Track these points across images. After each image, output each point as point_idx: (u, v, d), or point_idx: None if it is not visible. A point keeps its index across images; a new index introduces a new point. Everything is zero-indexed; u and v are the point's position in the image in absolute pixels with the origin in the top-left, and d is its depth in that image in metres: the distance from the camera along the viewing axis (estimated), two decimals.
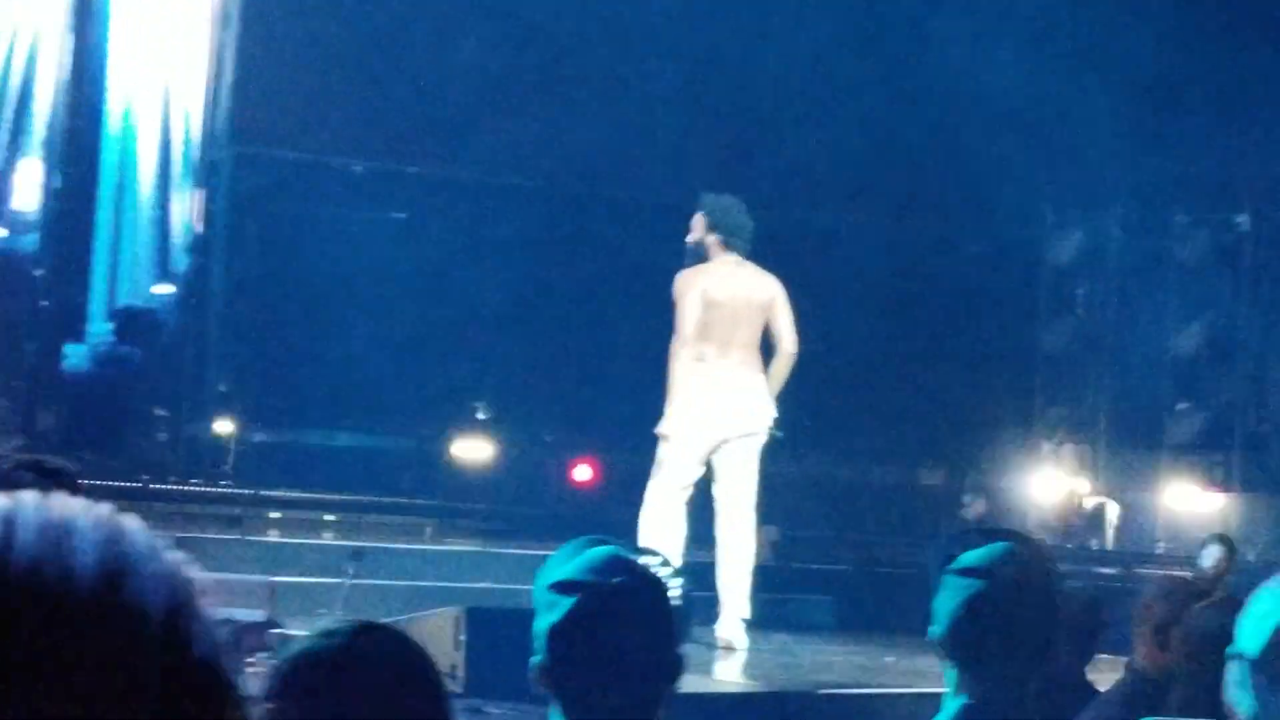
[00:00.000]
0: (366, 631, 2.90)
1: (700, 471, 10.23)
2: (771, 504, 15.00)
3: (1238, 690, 3.31)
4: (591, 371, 15.42)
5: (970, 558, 3.96)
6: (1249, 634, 3.29)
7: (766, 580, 12.10)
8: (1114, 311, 16.02)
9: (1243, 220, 15.49)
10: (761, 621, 11.12)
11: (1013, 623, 3.90)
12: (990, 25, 15.24)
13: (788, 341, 10.24)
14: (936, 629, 3.96)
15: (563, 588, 3.34)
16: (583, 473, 15.46)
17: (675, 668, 3.40)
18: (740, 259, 10.12)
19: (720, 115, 15.78)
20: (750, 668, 9.79)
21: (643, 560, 7.42)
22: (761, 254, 15.49)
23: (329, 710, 2.86)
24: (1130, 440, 16.15)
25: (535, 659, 3.29)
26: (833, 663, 10.47)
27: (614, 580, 3.33)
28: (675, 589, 7.41)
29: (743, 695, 8.90)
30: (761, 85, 15.97)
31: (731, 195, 10.36)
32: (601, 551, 3.45)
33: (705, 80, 15.88)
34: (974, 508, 15.19)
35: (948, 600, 3.95)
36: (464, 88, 15.06)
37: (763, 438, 10.17)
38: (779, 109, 15.96)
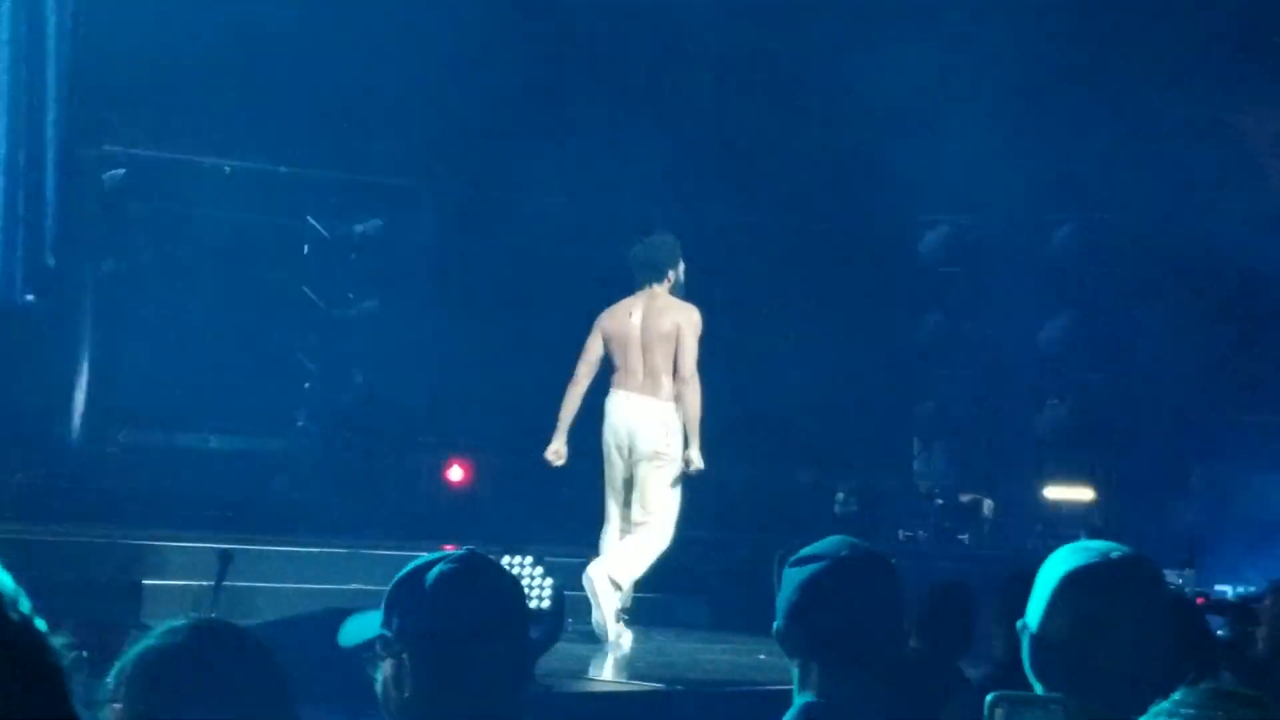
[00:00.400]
0: (206, 629, 2.88)
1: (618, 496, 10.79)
2: None
3: (1028, 664, 3.40)
4: (466, 372, 15.35)
5: (807, 549, 3.97)
6: (1033, 608, 3.39)
7: (643, 580, 12.12)
8: (984, 307, 16.15)
9: (1107, 217, 15.69)
10: (639, 620, 11.13)
11: (850, 613, 3.88)
12: (865, 25, 15.34)
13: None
14: (776, 623, 3.96)
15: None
16: (456, 473, 15.40)
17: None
18: (651, 291, 10.71)
19: (597, 111, 15.75)
20: (626, 666, 9.79)
21: (518, 559, 7.43)
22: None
23: (171, 707, 2.84)
24: (1002, 435, 16.29)
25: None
26: (706, 660, 10.49)
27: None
28: (547, 589, 7.43)
29: (617, 693, 8.88)
30: (640, 84, 15.97)
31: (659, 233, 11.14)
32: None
33: (581, 78, 15.86)
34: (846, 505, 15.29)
35: (785, 592, 3.95)
36: (336, 87, 14.95)
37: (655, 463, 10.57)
38: (662, 107, 15.94)
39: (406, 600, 3.37)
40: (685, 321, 10.54)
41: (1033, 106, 15.91)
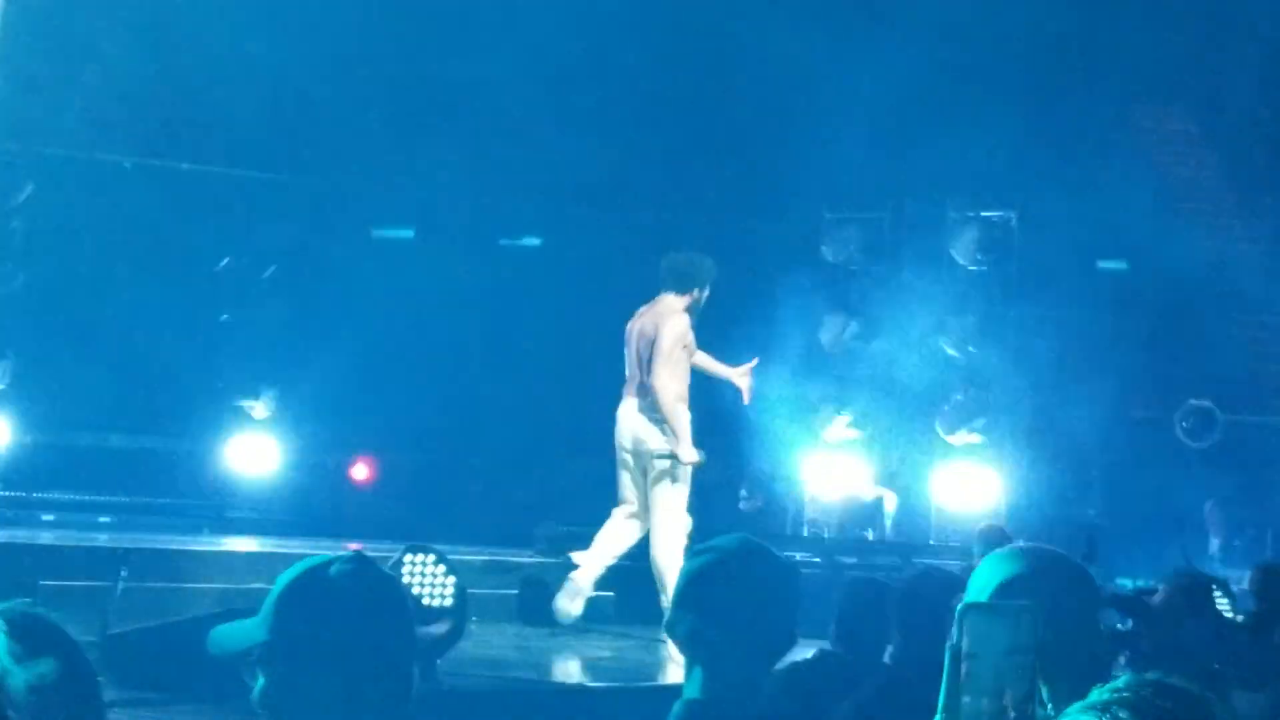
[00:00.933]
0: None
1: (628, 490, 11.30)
2: (551, 499, 15.07)
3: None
4: (370, 370, 15.30)
5: (704, 544, 3.97)
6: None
7: (548, 575, 12.13)
8: (889, 305, 16.21)
9: (1011, 215, 15.79)
10: (542, 617, 11.16)
11: (734, 609, 3.87)
12: (768, 25, 15.38)
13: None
14: (667, 615, 3.96)
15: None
16: (360, 472, 15.35)
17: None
18: (659, 299, 11.14)
19: (484, 113, 15.71)
20: (530, 662, 9.80)
21: (420, 557, 7.39)
22: (538, 253, 15.56)
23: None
24: (907, 432, 16.37)
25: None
26: (611, 656, 10.50)
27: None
28: (449, 588, 7.41)
29: (519, 690, 8.87)
30: (532, 87, 15.94)
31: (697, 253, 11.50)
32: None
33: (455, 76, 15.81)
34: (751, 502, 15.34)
35: (676, 585, 3.95)
36: (236, 85, 14.84)
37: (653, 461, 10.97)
38: (560, 111, 15.93)
39: (288, 606, 3.32)
40: (665, 324, 10.81)
41: (943, 104, 16.01)
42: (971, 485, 15.70)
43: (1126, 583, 12.63)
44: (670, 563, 10.47)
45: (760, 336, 15.98)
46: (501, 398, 15.48)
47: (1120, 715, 1.96)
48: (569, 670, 9.83)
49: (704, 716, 3.83)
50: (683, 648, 3.90)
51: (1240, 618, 11.21)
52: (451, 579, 7.36)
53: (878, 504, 15.93)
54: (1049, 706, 2.40)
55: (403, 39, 15.28)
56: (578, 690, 8.98)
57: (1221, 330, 19.78)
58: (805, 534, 15.49)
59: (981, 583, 3.41)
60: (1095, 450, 16.43)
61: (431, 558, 7.39)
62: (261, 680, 3.24)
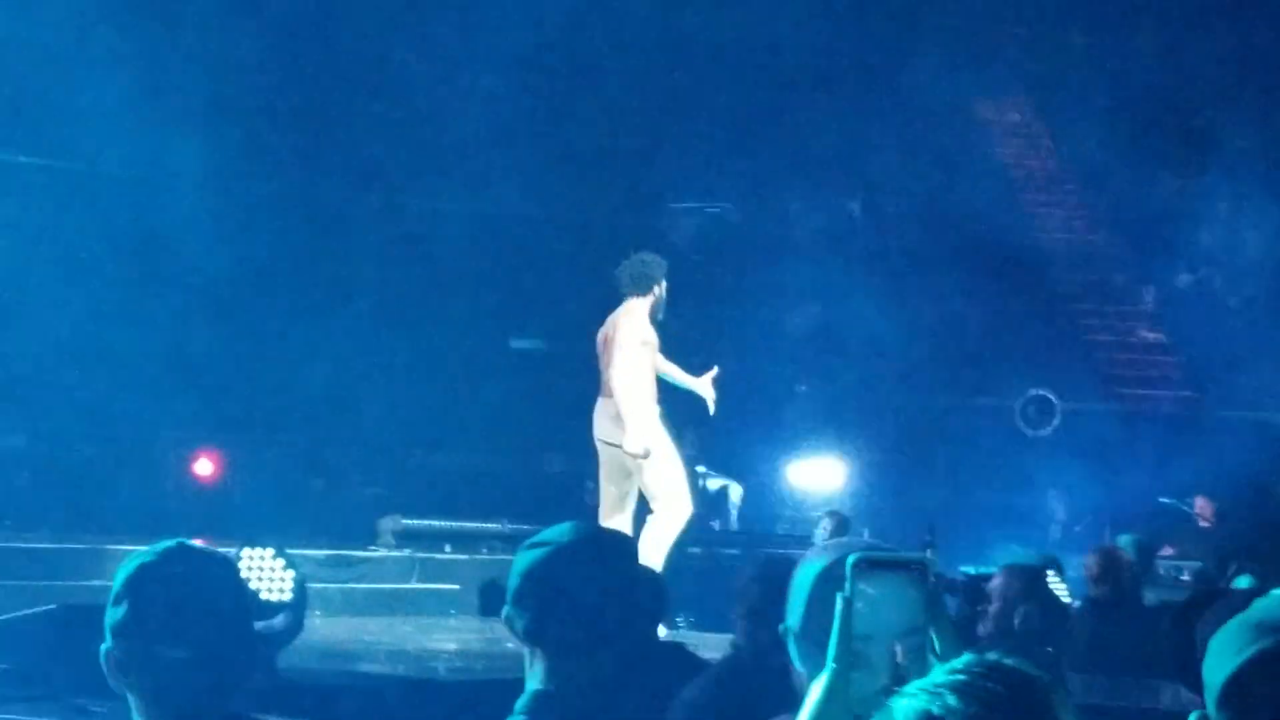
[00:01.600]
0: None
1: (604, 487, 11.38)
2: (397, 493, 15.03)
3: (797, 662, 3.40)
4: (214, 364, 15.15)
5: (538, 535, 3.97)
6: (791, 609, 3.39)
7: (396, 569, 12.11)
8: (733, 295, 16.31)
9: (854, 205, 15.94)
10: (392, 608, 11.15)
11: (574, 598, 3.88)
12: (610, 15, 15.41)
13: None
14: (505, 609, 3.95)
15: None
16: (204, 466, 15.19)
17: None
18: (627, 305, 11.19)
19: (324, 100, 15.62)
20: (374, 655, 9.75)
21: (258, 551, 7.35)
22: (377, 241, 15.45)
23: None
24: (752, 421, 16.48)
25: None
26: (457, 649, 10.49)
27: None
28: (288, 581, 7.35)
29: (362, 685, 8.83)
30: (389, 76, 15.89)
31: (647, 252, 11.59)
32: None
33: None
34: None
35: (511, 577, 3.95)
36: (76, 75, 14.63)
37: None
38: (412, 97, 15.87)
39: (120, 594, 3.39)
40: (623, 322, 11.00)
41: (783, 95, 16.14)
42: (815, 473, 15.84)
43: (968, 569, 12.81)
44: (654, 550, 10.63)
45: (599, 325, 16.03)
46: (346, 391, 15.40)
47: (949, 700, 1.96)
48: (413, 663, 9.80)
49: (550, 707, 3.83)
50: (524, 641, 3.91)
51: (1076, 602, 11.43)
52: (290, 573, 7.30)
53: (723, 493, 16.03)
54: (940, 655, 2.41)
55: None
56: (421, 683, 8.94)
57: (1061, 318, 20.14)
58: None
59: (795, 594, 3.42)
60: (937, 438, 16.63)
61: (270, 552, 7.31)
62: (115, 657, 3.31)
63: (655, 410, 11.13)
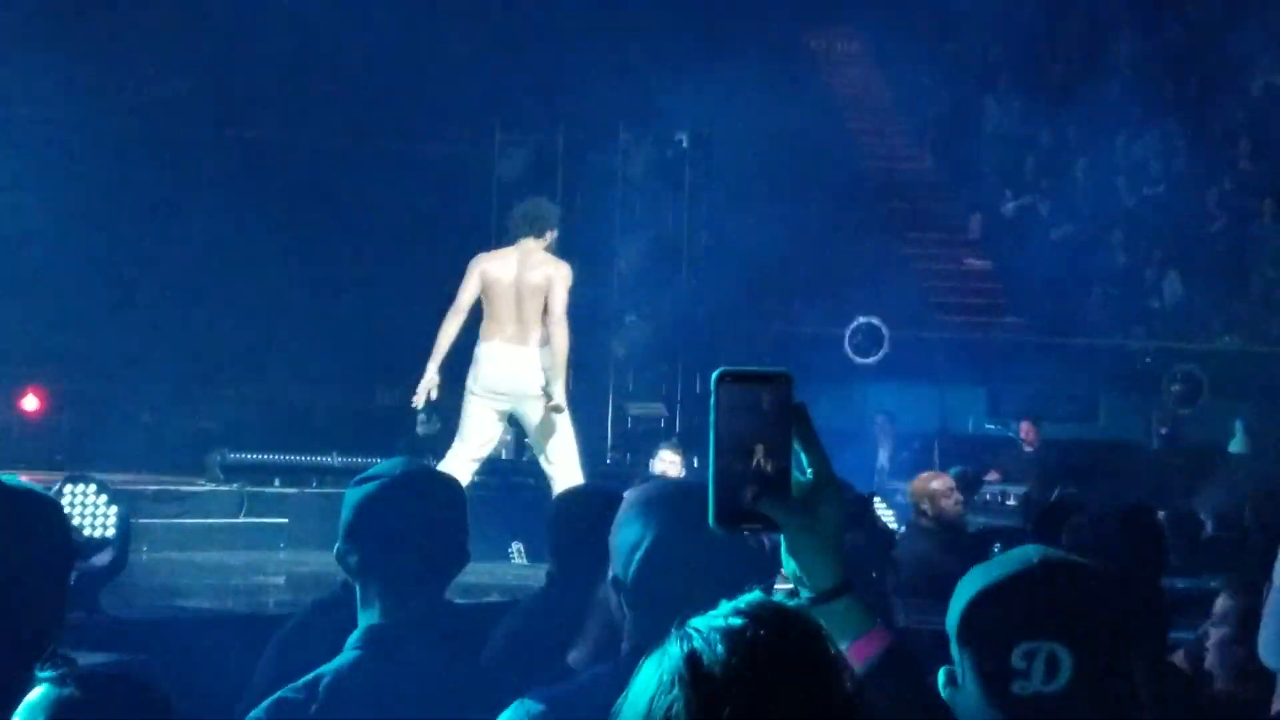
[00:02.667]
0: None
1: (490, 434, 11.37)
2: (224, 427, 14.93)
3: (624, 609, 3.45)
4: (47, 298, 14.95)
5: (369, 470, 4.00)
6: (617, 558, 3.42)
7: (224, 503, 12.03)
8: (562, 226, 16.27)
9: (682, 137, 15.95)
10: (221, 543, 11.11)
11: (403, 532, 3.91)
12: None
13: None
14: (337, 544, 3.97)
15: None
16: (30, 403, 15.01)
17: None
18: (525, 246, 11.16)
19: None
20: (198, 590, 9.68)
21: (80, 486, 7.27)
22: (209, 168, 15.25)
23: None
24: (578, 354, 16.50)
25: None
26: (285, 583, 10.45)
27: None
28: (110, 517, 7.32)
29: (187, 617, 8.77)
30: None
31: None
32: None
33: None
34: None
35: (343, 513, 3.97)
36: None
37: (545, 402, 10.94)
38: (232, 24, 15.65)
39: None
40: (556, 274, 11.00)
41: (613, 29, 16.13)
42: (647, 406, 15.88)
43: None
44: None
45: (435, 258, 15.98)
46: (170, 322, 15.27)
47: (718, 650, 1.98)
48: (242, 597, 9.75)
49: (383, 640, 3.86)
50: (356, 577, 3.93)
51: (903, 528, 11.63)
52: (114, 508, 7.27)
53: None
54: (807, 472, 2.45)
55: None
56: (250, 618, 8.91)
57: (889, 247, 20.37)
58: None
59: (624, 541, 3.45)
60: (769, 365, 16.76)
61: (93, 487, 7.28)
62: None
63: None
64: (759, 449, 2.40)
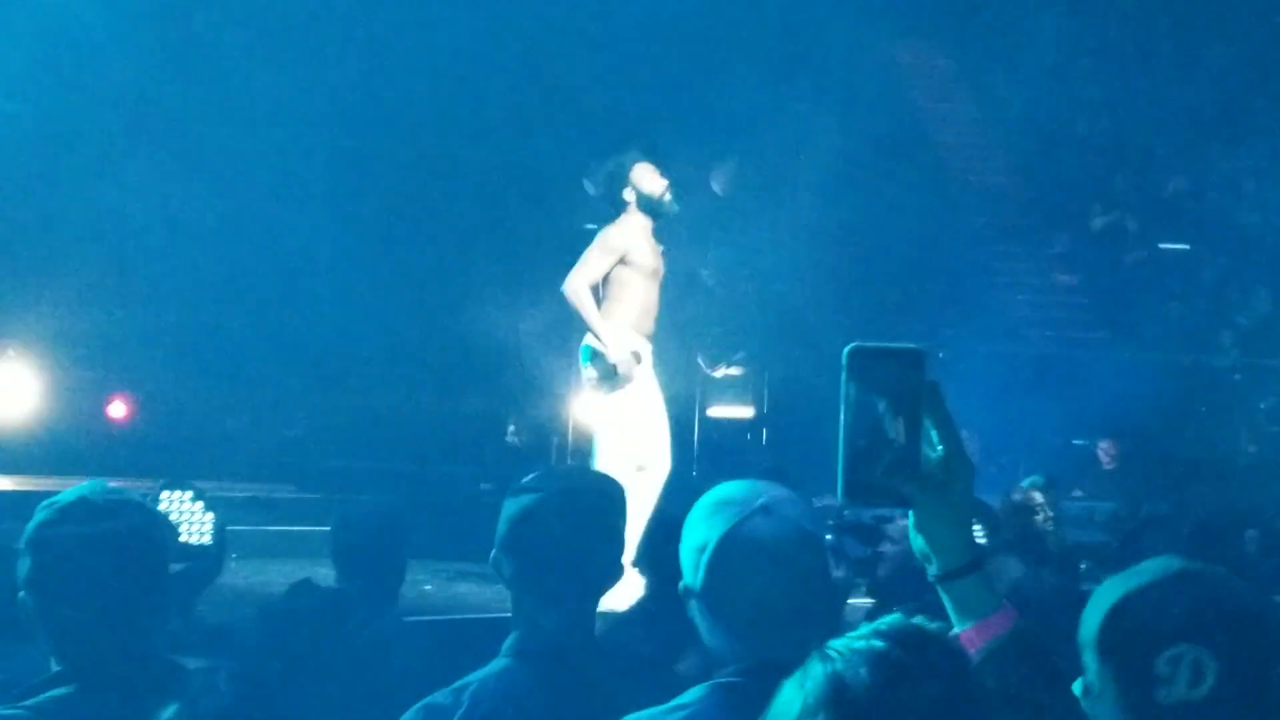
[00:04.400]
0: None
1: None
2: (316, 434, 14.98)
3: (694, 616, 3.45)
4: (124, 302, 15.05)
5: (525, 480, 4.02)
6: (686, 568, 3.42)
7: (304, 510, 12.08)
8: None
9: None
10: (314, 552, 11.17)
11: (555, 546, 3.91)
12: None
13: None
14: (493, 552, 4.00)
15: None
16: (118, 409, 15.12)
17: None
18: None
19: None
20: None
21: (177, 494, 7.33)
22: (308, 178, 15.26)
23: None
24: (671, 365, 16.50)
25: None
26: (430, 590, 10.49)
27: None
28: (207, 525, 7.37)
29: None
30: None
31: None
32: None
33: None
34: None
35: (502, 521, 3.99)
36: None
37: (585, 385, 10.32)
38: None
39: (24, 549, 3.42)
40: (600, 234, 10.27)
41: None
42: (733, 409, 15.85)
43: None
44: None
45: (526, 270, 16.00)
46: (264, 328, 15.34)
47: (861, 673, 1.99)
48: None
49: (533, 650, 3.89)
50: (509, 586, 3.96)
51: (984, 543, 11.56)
52: (210, 515, 7.31)
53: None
54: (938, 448, 2.46)
55: None
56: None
57: (977, 261, 20.25)
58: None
59: (689, 546, 3.46)
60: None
61: (189, 494, 7.33)
62: (28, 603, 3.34)
63: None
64: (890, 424, 2.40)
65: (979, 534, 8.11)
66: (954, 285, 18.61)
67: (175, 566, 6.88)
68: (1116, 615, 2.72)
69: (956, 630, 2.47)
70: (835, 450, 2.43)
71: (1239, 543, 6.81)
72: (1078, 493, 15.75)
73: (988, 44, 21.34)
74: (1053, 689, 2.53)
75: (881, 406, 2.41)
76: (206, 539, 7.25)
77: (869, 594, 7.68)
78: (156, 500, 7.18)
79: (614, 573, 4.04)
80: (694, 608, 3.40)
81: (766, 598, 3.27)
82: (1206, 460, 17.72)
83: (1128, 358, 18.43)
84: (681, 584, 3.42)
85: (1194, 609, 2.71)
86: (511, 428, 16.07)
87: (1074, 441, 17.81)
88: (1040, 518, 10.58)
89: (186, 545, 7.11)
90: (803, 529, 3.38)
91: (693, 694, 3.35)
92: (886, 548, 7.92)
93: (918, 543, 2.50)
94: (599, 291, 10.19)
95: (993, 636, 2.46)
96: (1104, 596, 2.80)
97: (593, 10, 15.64)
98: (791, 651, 3.12)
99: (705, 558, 3.32)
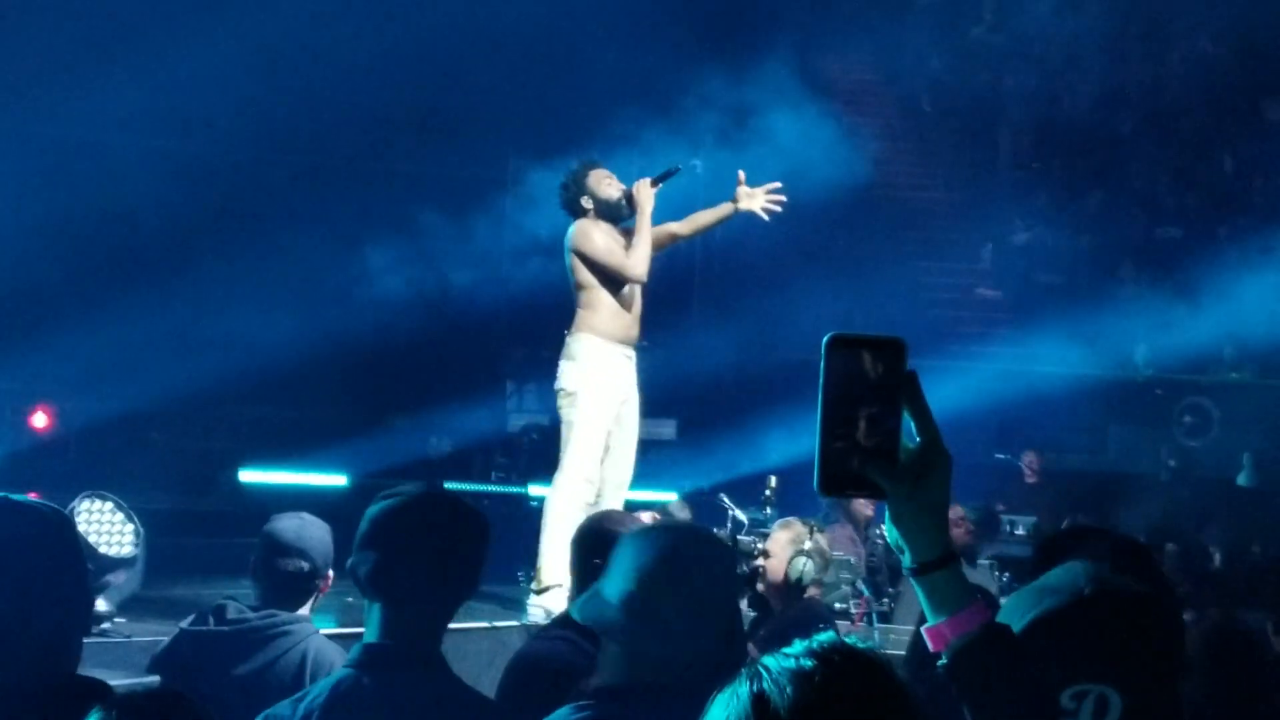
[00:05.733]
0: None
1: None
2: (238, 446, 14.89)
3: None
4: (49, 318, 14.95)
5: (394, 488, 4.00)
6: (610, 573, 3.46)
7: (228, 524, 12.02)
8: None
9: (696, 163, 15.88)
10: (231, 565, 11.10)
11: (410, 549, 3.90)
12: None
13: None
14: (351, 558, 3.99)
15: None
16: (40, 420, 15.02)
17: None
18: None
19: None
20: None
21: (97, 504, 7.26)
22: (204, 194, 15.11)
23: None
24: None
25: None
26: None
27: None
28: (127, 535, 7.31)
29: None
30: None
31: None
32: None
33: None
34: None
35: (362, 527, 3.99)
36: None
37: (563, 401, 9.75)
38: None
39: None
40: (571, 239, 9.71)
41: None
42: (655, 426, 15.87)
43: None
44: (548, 528, 9.48)
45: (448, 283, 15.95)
46: (186, 341, 15.26)
47: (788, 691, 1.96)
48: None
49: (379, 660, 3.87)
50: (363, 592, 3.94)
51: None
52: (130, 526, 7.26)
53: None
54: (916, 440, 2.44)
55: None
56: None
57: (901, 274, 20.34)
58: (493, 478, 15.58)
59: (623, 569, 3.49)
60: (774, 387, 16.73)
61: (109, 505, 7.27)
62: None
63: None
64: (867, 415, 2.39)
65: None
66: (879, 298, 18.66)
67: (97, 579, 6.84)
68: (1024, 642, 2.71)
69: (930, 624, 2.47)
70: (813, 440, 2.41)
71: (1158, 556, 6.84)
72: (1000, 506, 15.81)
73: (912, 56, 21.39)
74: (1024, 685, 2.51)
75: (859, 397, 2.39)
76: (127, 550, 7.19)
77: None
78: (76, 512, 7.11)
79: (467, 586, 4.01)
80: (607, 615, 3.43)
81: (676, 614, 3.33)
82: (1126, 476, 17.85)
83: (1051, 373, 18.53)
84: (601, 585, 3.46)
85: (1100, 642, 2.71)
86: (433, 439, 16.06)
87: (997, 455, 17.87)
88: (960, 530, 10.69)
89: (106, 556, 7.05)
90: (721, 559, 3.50)
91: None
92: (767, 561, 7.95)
93: (892, 534, 2.47)
94: (575, 299, 10.00)
95: (964, 632, 2.45)
96: (1012, 615, 2.80)
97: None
98: (678, 676, 3.16)
99: (623, 566, 3.38)
